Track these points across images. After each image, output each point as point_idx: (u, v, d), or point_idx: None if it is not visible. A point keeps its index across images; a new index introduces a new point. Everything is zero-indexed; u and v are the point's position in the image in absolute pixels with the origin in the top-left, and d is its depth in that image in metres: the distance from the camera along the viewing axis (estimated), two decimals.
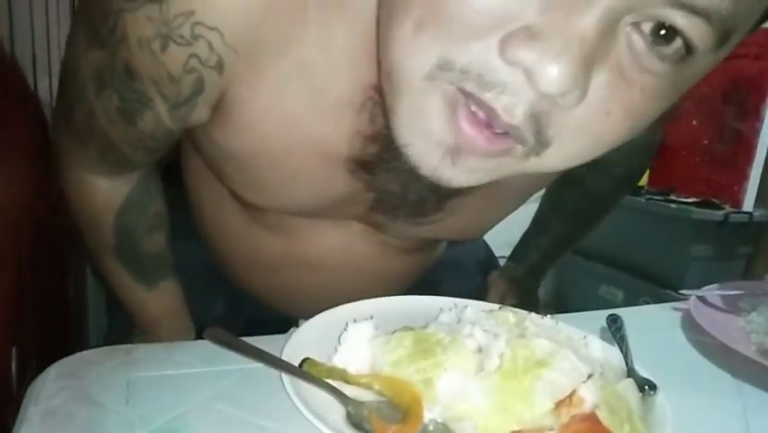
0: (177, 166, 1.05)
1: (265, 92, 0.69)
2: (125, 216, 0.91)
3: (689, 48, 0.52)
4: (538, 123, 0.54)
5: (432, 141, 0.57)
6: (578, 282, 3.01)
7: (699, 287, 0.96)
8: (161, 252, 0.97)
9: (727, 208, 2.71)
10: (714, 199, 2.75)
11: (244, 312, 1.10)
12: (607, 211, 1.29)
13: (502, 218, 0.95)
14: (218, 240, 1.04)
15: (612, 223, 1.32)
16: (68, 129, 0.82)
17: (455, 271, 1.22)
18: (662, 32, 0.51)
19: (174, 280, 1.00)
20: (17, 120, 0.91)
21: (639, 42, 0.52)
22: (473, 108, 0.54)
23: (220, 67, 0.66)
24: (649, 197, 2.82)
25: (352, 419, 0.60)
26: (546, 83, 0.49)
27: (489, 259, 1.37)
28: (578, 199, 1.24)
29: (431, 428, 0.60)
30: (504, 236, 1.23)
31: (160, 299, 0.99)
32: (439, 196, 0.79)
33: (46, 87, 1.14)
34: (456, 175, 0.58)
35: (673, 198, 2.82)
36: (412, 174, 0.62)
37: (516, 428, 0.58)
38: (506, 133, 0.55)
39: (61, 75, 0.80)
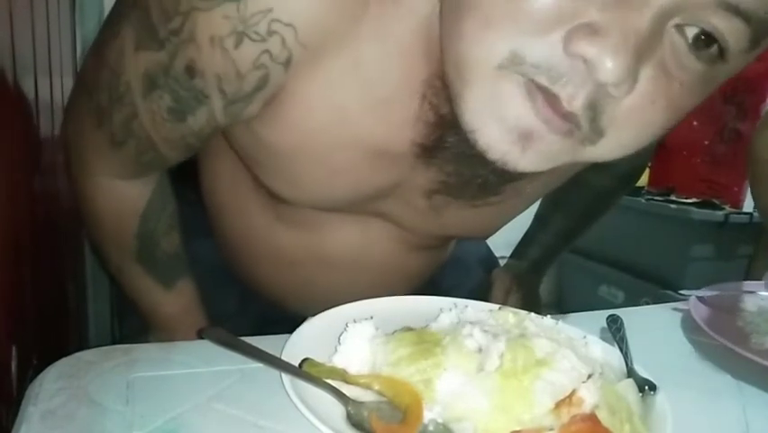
0: (188, 164, 1.05)
1: (319, 86, 0.70)
2: (148, 218, 0.92)
3: (722, 51, 0.58)
4: (594, 110, 0.59)
5: (505, 126, 0.61)
6: (578, 283, 3.01)
7: (699, 287, 0.96)
8: (178, 250, 0.98)
9: (728, 209, 2.71)
10: (714, 200, 2.76)
11: (256, 310, 1.10)
12: (608, 208, 1.31)
13: (519, 213, 0.98)
14: (235, 238, 1.04)
15: (612, 223, 1.33)
16: (95, 134, 0.81)
17: (458, 266, 1.23)
18: (702, 37, 0.57)
19: (190, 278, 1.00)
20: (7, 118, 0.91)
21: (681, 43, 0.58)
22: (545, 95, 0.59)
23: (288, 62, 0.67)
24: (649, 197, 2.82)
25: (352, 420, 0.60)
26: (605, 73, 0.55)
27: (489, 256, 1.38)
28: (579, 196, 1.25)
29: (431, 428, 0.60)
30: (504, 237, 1.23)
31: (177, 298, 0.99)
32: (503, 179, 0.81)
33: (46, 86, 1.13)
34: (523, 160, 0.62)
35: (674, 198, 2.82)
36: (478, 158, 0.64)
37: (517, 428, 0.58)
38: (568, 117, 0.60)
39: (88, 81, 0.80)
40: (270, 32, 0.64)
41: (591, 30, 0.55)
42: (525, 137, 0.61)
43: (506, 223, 0.98)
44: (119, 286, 1.01)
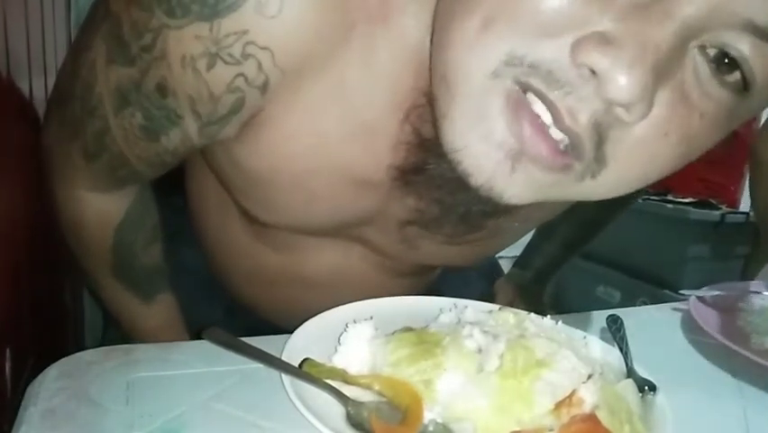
0: (176, 174, 1.04)
1: (300, 111, 0.67)
2: (124, 231, 0.90)
3: (746, 82, 0.52)
4: (599, 134, 0.53)
5: (492, 143, 0.55)
6: (575, 283, 3.01)
7: (696, 287, 0.96)
8: (158, 264, 0.97)
9: (724, 209, 2.72)
10: (711, 200, 2.76)
11: (243, 320, 1.09)
12: (615, 216, 1.28)
13: (502, 249, 0.96)
14: (218, 252, 1.03)
15: None
16: (70, 145, 0.79)
17: (457, 279, 1.19)
18: (726, 60, 0.52)
19: (170, 292, 0.99)
20: (8, 120, 0.91)
21: (704, 67, 0.52)
22: (536, 110, 0.54)
23: (265, 87, 0.64)
24: (646, 197, 2.82)
25: (352, 420, 0.60)
26: (616, 90, 0.49)
27: (493, 266, 1.35)
28: (586, 205, 1.20)
29: (431, 428, 0.60)
30: None
31: (157, 312, 0.98)
32: (483, 215, 0.76)
33: (41, 86, 1.13)
34: (511, 186, 0.57)
35: (670, 198, 2.82)
36: (458, 185, 0.60)
37: (516, 429, 0.58)
38: (565, 152, 0.55)
39: (63, 90, 0.77)
40: (245, 55, 0.61)
41: (605, 39, 0.49)
42: (515, 157, 0.55)
43: (492, 254, 0.96)
44: (98, 299, 1.00)
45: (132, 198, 0.89)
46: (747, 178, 2.77)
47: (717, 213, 2.66)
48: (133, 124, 0.70)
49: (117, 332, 1.03)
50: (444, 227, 0.79)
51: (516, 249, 1.32)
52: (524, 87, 0.53)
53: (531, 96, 0.54)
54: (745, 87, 0.53)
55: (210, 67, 0.62)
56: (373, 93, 0.67)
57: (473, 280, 1.26)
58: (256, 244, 0.94)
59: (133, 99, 0.68)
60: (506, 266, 1.37)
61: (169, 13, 0.60)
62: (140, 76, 0.66)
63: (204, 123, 0.68)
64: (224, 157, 0.77)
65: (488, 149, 0.55)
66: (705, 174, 2.96)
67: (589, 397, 0.59)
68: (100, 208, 0.88)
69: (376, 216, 0.80)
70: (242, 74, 0.63)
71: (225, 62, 0.62)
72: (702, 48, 0.52)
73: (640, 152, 0.55)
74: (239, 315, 1.09)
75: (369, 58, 0.65)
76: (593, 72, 0.50)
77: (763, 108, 0.59)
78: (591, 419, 0.58)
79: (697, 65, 0.52)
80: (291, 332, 0.72)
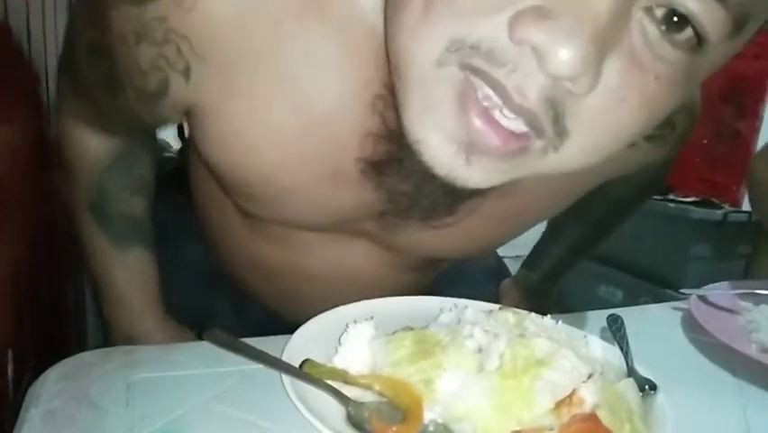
0: (183, 168, 1.06)
1: (245, 106, 0.69)
2: (104, 171, 0.93)
3: (700, 38, 0.51)
4: (554, 109, 0.52)
5: (445, 135, 0.55)
6: (577, 282, 3.01)
7: (698, 286, 0.96)
8: (139, 216, 0.98)
9: (726, 208, 2.71)
10: (713, 199, 2.75)
11: (250, 312, 1.10)
12: (625, 219, 1.25)
13: (512, 237, 0.93)
14: (221, 245, 1.04)
15: None
16: (69, 81, 0.87)
17: (461, 279, 1.19)
18: (675, 18, 0.50)
19: (148, 251, 1.00)
20: (14, 114, 0.91)
21: (652, 29, 0.51)
22: (484, 101, 0.53)
23: (187, 73, 0.67)
24: None
25: (353, 420, 0.60)
26: (557, 65, 0.48)
27: (499, 266, 1.34)
28: (596, 207, 1.19)
29: (431, 428, 0.60)
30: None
31: (129, 263, 0.98)
32: (453, 198, 0.76)
33: (41, 62, 1.13)
34: (471, 174, 0.56)
35: (672, 197, 2.82)
36: (425, 174, 0.60)
37: (517, 428, 0.58)
38: (522, 134, 0.54)
39: (66, 33, 0.85)
40: (166, 40, 0.66)
41: (540, 13, 0.48)
42: (468, 149, 0.55)
43: (488, 245, 0.95)
44: (82, 249, 1.00)
45: (123, 145, 0.93)
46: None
47: (720, 212, 2.66)
48: (98, 75, 0.77)
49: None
50: (416, 214, 0.78)
51: (521, 249, 1.31)
52: (468, 68, 0.52)
53: (477, 81, 0.53)
54: (698, 42, 0.52)
55: (137, 43, 0.67)
56: (323, 86, 0.67)
57: (479, 282, 1.25)
58: (254, 238, 0.94)
59: (98, 55, 0.74)
60: (511, 266, 1.36)
61: None
62: (100, 37, 0.72)
63: (138, 95, 0.73)
64: (200, 151, 0.79)
65: (441, 141, 0.55)
66: (707, 173, 2.96)
67: (589, 396, 0.59)
68: (86, 142, 0.92)
69: (357, 209, 0.80)
70: (164, 55, 0.67)
71: (149, 42, 0.67)
72: (649, 9, 0.50)
73: (600, 121, 0.54)
74: (246, 306, 1.09)
75: (309, 51, 0.65)
76: (533, 48, 0.49)
77: (723, 63, 0.57)
78: (592, 418, 0.58)
79: (645, 28, 0.51)
80: (296, 322, 0.72)
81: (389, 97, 0.65)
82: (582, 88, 0.50)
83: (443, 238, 0.84)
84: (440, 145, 0.55)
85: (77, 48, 0.78)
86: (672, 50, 0.52)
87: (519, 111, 0.52)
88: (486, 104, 0.53)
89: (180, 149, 1.22)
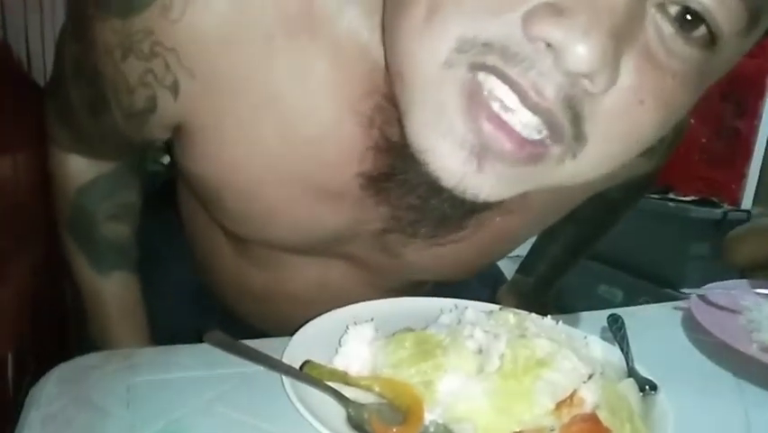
0: (172, 182, 1.05)
1: (232, 123, 0.68)
2: (86, 196, 0.92)
3: (713, 35, 0.51)
4: (573, 111, 0.51)
5: (455, 140, 0.53)
6: (577, 282, 3.01)
7: (697, 285, 0.96)
8: (121, 242, 0.97)
9: (726, 207, 2.71)
10: (712, 198, 2.76)
11: (236, 332, 1.09)
12: (619, 219, 1.25)
13: (508, 252, 0.92)
14: (206, 266, 1.04)
15: None
16: (53, 104, 0.86)
17: (458, 286, 1.18)
18: (688, 16, 0.50)
19: (132, 275, 0.99)
20: (15, 117, 0.91)
21: (666, 26, 0.50)
22: (494, 103, 0.52)
23: (175, 89, 0.66)
24: (647, 195, 2.82)
25: (353, 422, 0.60)
26: (574, 61, 0.47)
27: (494, 272, 1.33)
28: (589, 208, 1.18)
29: (432, 429, 0.60)
30: None
31: (111, 287, 0.97)
32: (462, 211, 0.73)
33: (40, 71, 1.13)
34: (483, 184, 0.54)
35: (671, 196, 2.82)
36: (432, 187, 0.59)
37: (517, 429, 0.58)
38: (537, 141, 0.53)
39: (55, 53, 0.84)
40: (153, 53, 0.64)
41: (555, 10, 0.47)
42: (480, 154, 0.53)
43: (486, 262, 0.93)
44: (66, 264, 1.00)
45: (105, 170, 0.92)
46: (748, 176, 2.78)
47: (719, 211, 2.66)
48: (83, 96, 0.77)
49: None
50: (422, 230, 0.76)
51: (520, 249, 1.31)
52: (480, 68, 0.51)
53: (490, 82, 0.51)
54: (711, 40, 0.51)
55: (124, 58, 0.66)
56: (311, 104, 0.66)
57: (475, 289, 1.24)
58: (240, 260, 0.94)
59: (83, 74, 0.74)
60: (505, 267, 1.36)
61: (96, 4, 0.66)
62: (85, 53, 0.71)
63: (125, 113, 0.72)
64: (182, 166, 0.79)
65: (451, 148, 0.53)
66: (706, 172, 2.96)
67: (589, 396, 0.59)
68: (69, 166, 0.91)
69: (352, 228, 0.78)
70: (151, 70, 0.66)
71: (137, 56, 0.65)
72: (661, 6, 0.50)
73: (619, 124, 0.53)
74: (234, 327, 1.08)
75: (299, 69, 0.64)
76: (549, 45, 0.48)
77: (734, 62, 0.57)
78: (592, 418, 0.58)
79: (659, 25, 0.50)
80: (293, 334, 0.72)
81: (390, 110, 0.64)
82: (600, 86, 0.49)
83: (446, 256, 0.82)
84: (449, 152, 0.53)
85: (64, 68, 0.77)
86: (686, 48, 0.51)
87: (537, 110, 0.51)
88: (496, 106, 0.52)
89: (170, 163, 1.21)
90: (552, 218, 0.91)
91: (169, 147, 1.27)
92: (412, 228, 0.75)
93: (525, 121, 0.52)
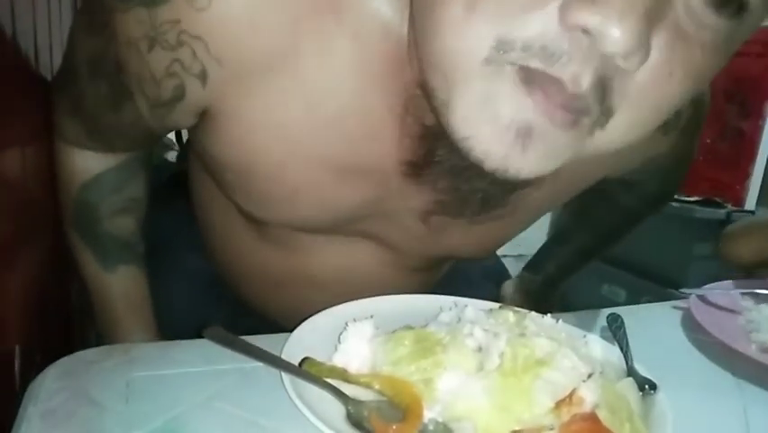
0: (182, 174, 1.06)
1: (259, 106, 0.68)
2: (90, 191, 0.92)
3: (742, 4, 0.52)
4: (603, 89, 0.53)
5: (500, 126, 0.55)
6: (580, 282, 3.00)
7: (701, 286, 0.96)
8: (127, 237, 0.97)
9: (730, 207, 2.71)
10: (716, 198, 2.75)
11: (246, 323, 1.09)
12: (632, 229, 1.25)
13: (525, 227, 0.93)
14: (224, 253, 1.03)
15: None
16: (63, 98, 0.85)
17: (461, 281, 1.18)
18: None
19: (139, 269, 0.99)
20: (23, 112, 0.92)
21: (696, 1, 0.52)
22: (542, 83, 0.53)
23: (203, 76, 0.66)
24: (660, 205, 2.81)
25: (352, 419, 0.60)
26: (612, 44, 0.48)
27: (498, 267, 1.34)
28: (605, 215, 1.21)
29: (431, 427, 0.60)
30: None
31: (117, 282, 0.98)
32: (504, 189, 0.76)
33: (47, 66, 1.13)
34: (525, 163, 0.57)
35: (676, 196, 2.81)
36: (473, 171, 0.61)
37: (517, 428, 0.58)
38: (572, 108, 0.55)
39: (66, 46, 0.83)
40: (180, 42, 0.64)
41: None
42: (525, 134, 0.55)
43: (510, 238, 0.94)
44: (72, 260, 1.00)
45: (112, 164, 0.92)
46: (753, 176, 2.77)
47: (723, 211, 2.65)
48: (101, 92, 0.75)
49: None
50: (466, 211, 0.78)
51: (522, 248, 1.31)
52: (524, 70, 0.53)
53: (533, 76, 0.53)
54: (740, 7, 0.52)
55: (150, 49, 0.66)
56: (338, 86, 0.67)
57: (479, 283, 1.25)
58: (260, 243, 0.94)
59: (100, 69, 0.73)
60: (512, 265, 1.36)
61: None
62: (104, 47, 0.70)
63: (151, 104, 0.72)
64: (204, 152, 0.79)
65: (497, 133, 0.55)
66: (711, 173, 2.96)
67: (589, 396, 0.59)
68: (75, 161, 0.91)
69: (382, 208, 0.80)
70: (178, 59, 0.65)
71: (163, 47, 0.65)
72: None
73: (648, 96, 0.55)
74: (246, 317, 1.09)
75: (325, 51, 0.65)
76: (586, 31, 0.49)
77: (758, 25, 0.58)
78: (592, 417, 0.58)
79: (688, 1, 0.52)
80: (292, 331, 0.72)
81: (422, 96, 0.65)
82: (634, 65, 0.51)
83: (483, 234, 0.85)
84: (494, 138, 0.55)
85: (77, 63, 0.77)
86: (716, 19, 0.52)
87: (572, 98, 0.53)
88: (539, 93, 0.54)
89: (179, 155, 1.21)
90: (577, 189, 0.90)
91: (179, 139, 1.27)
92: (456, 209, 0.78)
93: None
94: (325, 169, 0.74)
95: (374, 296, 0.81)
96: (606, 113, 0.55)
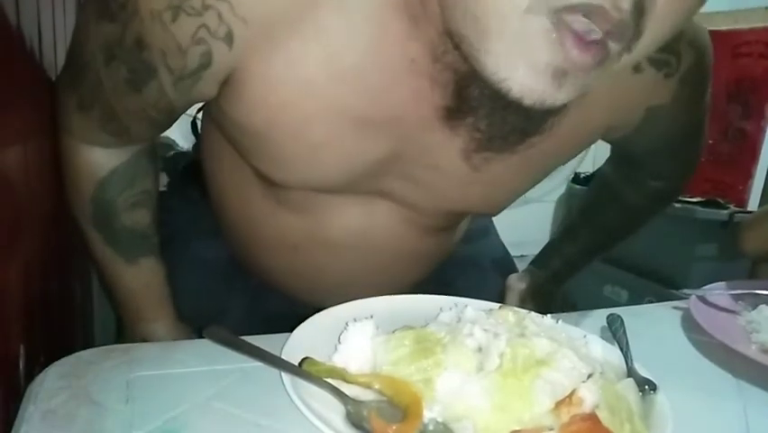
0: (196, 164, 1.06)
1: (282, 62, 0.70)
2: (105, 188, 0.92)
3: None
4: (640, 11, 0.56)
5: (537, 69, 0.58)
6: (582, 282, 3.00)
7: (702, 286, 0.96)
8: (143, 229, 0.98)
9: (732, 208, 2.70)
10: (718, 199, 2.75)
11: (263, 308, 1.10)
12: (638, 227, 1.26)
13: (554, 165, 0.95)
14: (240, 224, 1.03)
15: None
16: (72, 95, 0.84)
17: (471, 269, 1.21)
18: None
19: (157, 260, 1.00)
20: (27, 108, 0.92)
21: None
22: (579, 27, 0.56)
23: (229, 39, 0.67)
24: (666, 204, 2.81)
25: (352, 419, 0.60)
26: None
27: (505, 258, 1.34)
28: (611, 213, 1.22)
29: (431, 427, 0.60)
30: (515, 236, 1.20)
31: (139, 274, 0.99)
32: (540, 119, 0.79)
33: (51, 63, 1.13)
34: (560, 96, 0.60)
35: (678, 197, 2.81)
36: (509, 107, 0.67)
37: (516, 428, 0.58)
38: (602, 42, 0.57)
39: (71, 42, 0.82)
40: (205, 7, 0.65)
41: None
42: (561, 74, 0.59)
43: (541, 178, 0.95)
44: (89, 255, 1.01)
45: (124, 159, 0.92)
46: (755, 177, 2.77)
47: (725, 212, 2.65)
48: (119, 77, 0.75)
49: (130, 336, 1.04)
50: (507, 144, 0.81)
51: (525, 249, 1.31)
52: (562, 11, 0.56)
53: (572, 16, 0.56)
54: None
55: (174, 18, 0.67)
56: (358, 37, 0.69)
57: (488, 272, 1.26)
58: (278, 210, 0.94)
59: (118, 53, 0.73)
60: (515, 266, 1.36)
61: None
62: (121, 31, 0.71)
63: (176, 77, 0.72)
64: (221, 116, 0.80)
65: (534, 75, 0.59)
66: (713, 174, 2.96)
67: (589, 396, 0.59)
68: (87, 159, 0.91)
69: (407, 162, 0.82)
70: (204, 25, 0.67)
71: (188, 14, 0.66)
72: None
73: (669, 10, 0.59)
74: (260, 300, 1.10)
75: (342, 2, 0.68)
76: None
77: None
78: (591, 418, 0.58)
79: None
80: (314, 306, 0.72)
81: (451, 45, 0.67)
82: None
83: (517, 168, 0.86)
84: (532, 80, 0.59)
85: (89, 54, 0.77)
86: None
87: (615, 24, 0.56)
88: (581, 30, 0.56)
89: (195, 144, 1.21)
90: (599, 117, 0.90)
91: (194, 127, 1.27)
92: (499, 144, 0.80)
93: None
94: (347, 122, 0.75)
95: (389, 258, 0.81)
96: (637, 35, 0.58)
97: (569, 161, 0.96)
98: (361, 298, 0.80)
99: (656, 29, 0.59)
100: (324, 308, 0.77)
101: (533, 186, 0.95)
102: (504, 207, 0.97)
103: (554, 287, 1.29)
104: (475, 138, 0.78)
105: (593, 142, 0.92)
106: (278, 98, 0.73)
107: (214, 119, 0.85)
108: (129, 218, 0.95)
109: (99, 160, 0.91)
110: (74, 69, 0.82)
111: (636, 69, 0.80)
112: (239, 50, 0.68)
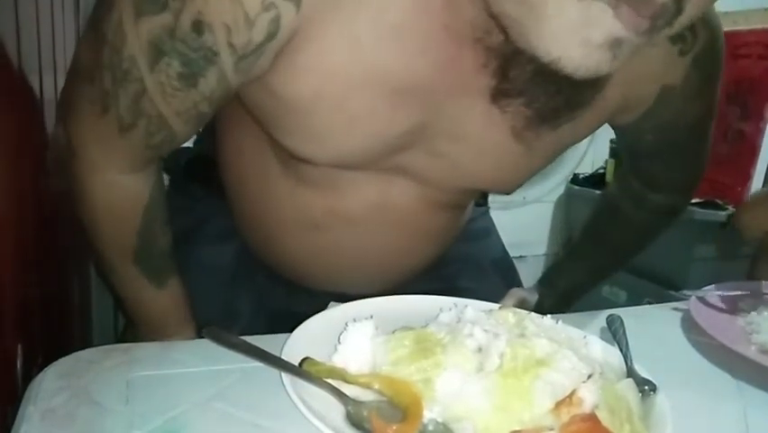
0: (198, 159, 1.07)
1: (334, 25, 0.70)
2: (150, 213, 0.90)
3: None
4: None
5: (594, 45, 0.60)
6: None
7: (701, 287, 0.96)
8: (171, 245, 0.96)
9: (731, 209, 2.70)
10: (717, 200, 2.75)
11: (269, 308, 1.10)
12: (644, 245, 1.27)
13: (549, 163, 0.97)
14: (260, 208, 1.02)
15: None
16: (101, 124, 0.78)
17: (472, 268, 1.21)
18: None
19: (177, 275, 0.99)
20: (13, 116, 0.91)
21: None
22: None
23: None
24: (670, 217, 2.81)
25: (352, 419, 0.60)
26: None
27: (504, 258, 1.34)
28: (617, 230, 1.23)
29: (431, 427, 0.60)
30: (514, 237, 1.20)
31: (167, 296, 0.97)
32: (588, 89, 0.82)
33: (51, 85, 1.13)
34: (611, 66, 0.63)
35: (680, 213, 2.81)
36: (556, 82, 0.70)
37: (516, 428, 0.58)
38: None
39: (86, 69, 0.78)
40: None
41: None
42: (615, 46, 0.61)
43: (558, 154, 0.96)
44: (108, 285, 0.99)
45: (154, 178, 0.90)
46: (754, 178, 2.77)
47: (724, 213, 2.65)
48: (170, 75, 0.72)
49: (132, 335, 1.03)
50: (557, 117, 0.83)
51: (524, 250, 1.30)
52: None
53: None
54: None
55: None
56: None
57: (489, 272, 1.26)
58: (297, 188, 0.94)
59: (168, 48, 0.70)
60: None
61: None
62: (173, 19, 0.68)
63: (239, 56, 0.70)
64: (261, 94, 0.79)
65: (589, 51, 0.61)
66: (711, 175, 2.95)
67: (589, 396, 0.59)
68: (130, 190, 0.88)
69: (422, 135, 0.83)
70: None
71: None
72: None
73: None
74: (272, 295, 1.10)
75: None
76: None
77: None
78: (591, 418, 0.58)
79: None
80: (326, 293, 0.72)
81: (495, 27, 0.69)
82: None
83: (559, 138, 0.88)
84: (587, 56, 0.61)
85: (126, 62, 0.72)
86: None
87: (656, 10, 0.58)
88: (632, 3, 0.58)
89: (196, 140, 1.20)
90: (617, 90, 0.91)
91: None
92: (551, 114, 0.83)
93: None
94: (384, 92, 0.76)
95: (406, 235, 0.82)
96: (678, 12, 0.60)
97: (583, 139, 0.97)
98: (376, 280, 0.80)
99: (695, 4, 0.61)
100: (338, 294, 0.76)
101: (549, 164, 0.97)
102: (520, 186, 0.99)
103: (563, 307, 1.28)
104: (524, 115, 0.81)
105: (610, 118, 0.93)
106: (329, 63, 0.73)
107: (243, 98, 0.83)
108: (166, 241, 0.94)
109: (137, 187, 0.88)
110: (100, 93, 0.76)
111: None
112: (304, 10, 0.68)
